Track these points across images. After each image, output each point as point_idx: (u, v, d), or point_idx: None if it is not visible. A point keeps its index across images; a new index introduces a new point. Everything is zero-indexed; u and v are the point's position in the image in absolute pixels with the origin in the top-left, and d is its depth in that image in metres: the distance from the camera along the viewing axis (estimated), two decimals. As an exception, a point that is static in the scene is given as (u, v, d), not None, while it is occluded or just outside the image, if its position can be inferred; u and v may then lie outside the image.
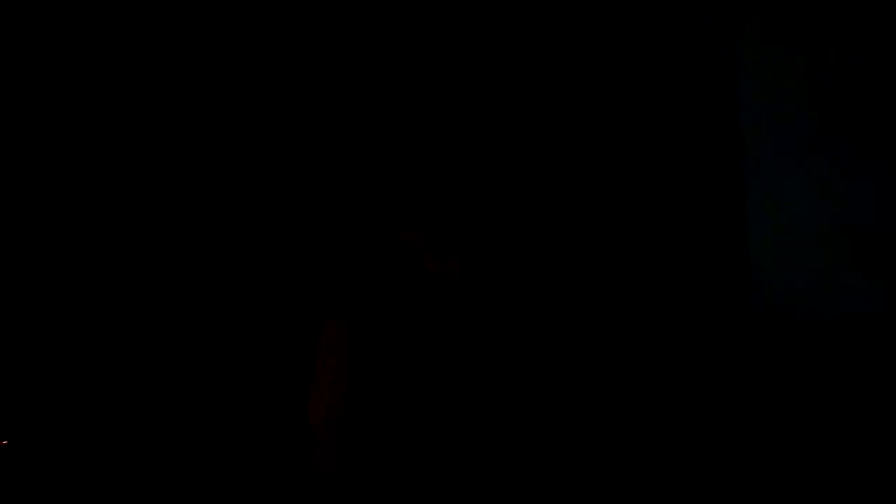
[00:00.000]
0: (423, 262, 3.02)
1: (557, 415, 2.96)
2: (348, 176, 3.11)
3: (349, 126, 3.13)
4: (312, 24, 3.10)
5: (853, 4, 3.02)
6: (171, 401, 2.99)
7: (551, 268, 3.08)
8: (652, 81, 3.09)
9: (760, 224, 3.02)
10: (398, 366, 3.00)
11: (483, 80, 3.11)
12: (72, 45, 3.04)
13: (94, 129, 3.06)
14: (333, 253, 3.08)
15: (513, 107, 3.12)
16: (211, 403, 3.01)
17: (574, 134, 3.11)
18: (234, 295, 3.10)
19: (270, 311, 3.08)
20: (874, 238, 2.99)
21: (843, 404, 2.89)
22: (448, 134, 3.13)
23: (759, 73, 3.09)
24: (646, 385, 2.97)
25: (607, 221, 3.07)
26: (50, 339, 3.00)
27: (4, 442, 2.86)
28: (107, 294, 3.04)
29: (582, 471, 2.91)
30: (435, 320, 3.02)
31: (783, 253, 3.01)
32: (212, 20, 3.08)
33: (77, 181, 3.05)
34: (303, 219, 3.10)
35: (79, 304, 3.02)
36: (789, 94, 3.04)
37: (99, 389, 2.98)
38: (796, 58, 3.05)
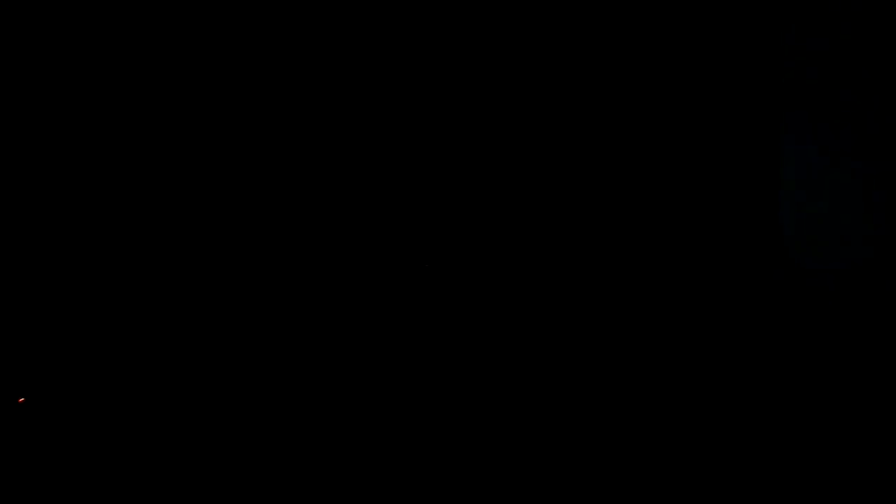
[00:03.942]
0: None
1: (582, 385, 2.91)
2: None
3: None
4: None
5: None
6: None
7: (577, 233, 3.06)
8: (691, 44, 3.09)
9: (790, 183, 3.04)
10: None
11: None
12: (72, 46, 3.09)
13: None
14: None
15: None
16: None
17: (603, 100, 3.10)
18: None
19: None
20: None
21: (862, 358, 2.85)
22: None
23: (800, 31, 3.09)
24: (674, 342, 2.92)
25: (637, 181, 3.06)
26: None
27: (21, 399, 2.83)
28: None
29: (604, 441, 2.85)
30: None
31: (810, 209, 3.03)
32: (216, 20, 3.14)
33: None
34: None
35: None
36: (828, 58, 3.07)
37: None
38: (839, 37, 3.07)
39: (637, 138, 3.10)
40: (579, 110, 3.12)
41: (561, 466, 2.86)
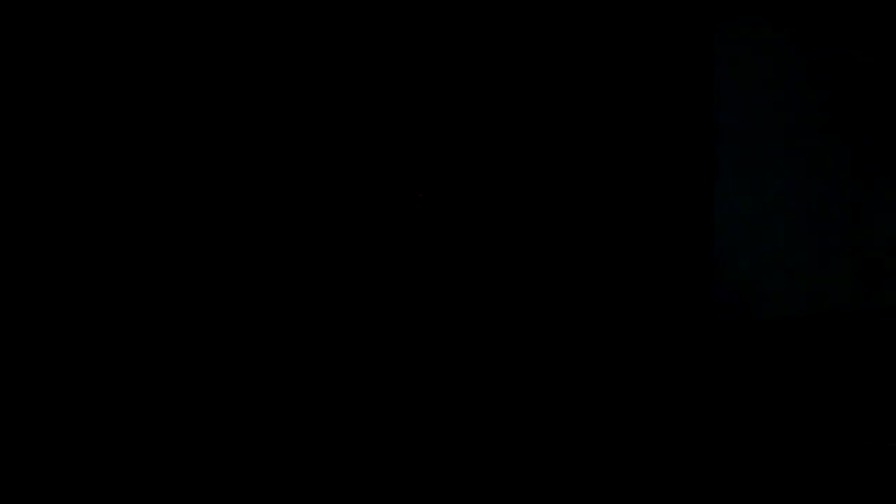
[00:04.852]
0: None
1: (509, 418, 2.92)
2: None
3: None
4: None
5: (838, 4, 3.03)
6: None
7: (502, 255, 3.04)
8: (619, 66, 3.06)
9: (727, 222, 3.02)
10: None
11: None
12: (73, 46, 3.05)
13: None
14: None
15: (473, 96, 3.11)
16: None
17: (527, 121, 3.07)
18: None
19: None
20: (842, 236, 2.98)
21: (804, 405, 2.87)
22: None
23: (738, 65, 3.07)
24: (597, 384, 2.92)
25: (561, 213, 3.03)
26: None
27: None
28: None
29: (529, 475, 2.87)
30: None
31: (749, 251, 3.01)
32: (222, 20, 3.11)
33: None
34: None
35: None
36: (767, 92, 3.05)
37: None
38: (774, 56, 3.06)
39: (570, 166, 3.06)
40: (517, 141, 3.09)
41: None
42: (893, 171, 3.00)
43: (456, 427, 2.92)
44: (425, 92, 3.04)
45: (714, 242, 3.00)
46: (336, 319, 3.06)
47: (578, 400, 2.92)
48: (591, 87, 3.07)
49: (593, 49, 3.07)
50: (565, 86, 3.08)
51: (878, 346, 2.87)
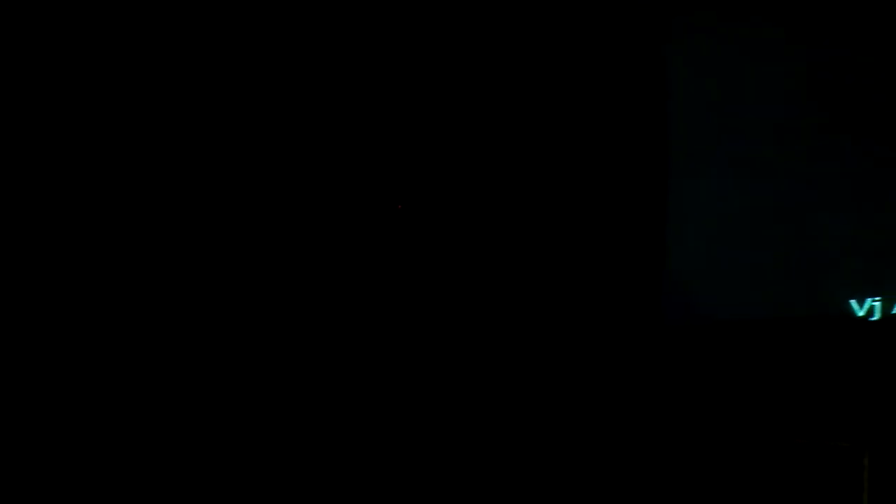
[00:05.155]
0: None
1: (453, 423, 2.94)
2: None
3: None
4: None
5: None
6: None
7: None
8: (568, 63, 3.02)
9: (681, 224, 2.97)
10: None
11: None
12: (74, 46, 3.04)
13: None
14: None
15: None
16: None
17: (475, 121, 3.06)
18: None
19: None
20: (796, 240, 2.94)
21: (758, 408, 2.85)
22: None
23: (692, 66, 3.02)
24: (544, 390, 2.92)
25: (508, 216, 3.02)
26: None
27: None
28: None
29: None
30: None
31: (703, 254, 2.97)
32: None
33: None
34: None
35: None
36: (722, 89, 3.00)
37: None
38: (728, 58, 3.01)
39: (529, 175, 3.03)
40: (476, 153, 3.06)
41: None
42: (849, 176, 2.94)
43: (411, 427, 2.93)
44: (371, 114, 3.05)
45: (667, 245, 2.96)
46: (319, 324, 3.07)
47: (528, 398, 2.92)
48: (539, 89, 3.02)
49: (539, 50, 3.02)
50: (513, 86, 3.04)
51: (831, 350, 2.83)
